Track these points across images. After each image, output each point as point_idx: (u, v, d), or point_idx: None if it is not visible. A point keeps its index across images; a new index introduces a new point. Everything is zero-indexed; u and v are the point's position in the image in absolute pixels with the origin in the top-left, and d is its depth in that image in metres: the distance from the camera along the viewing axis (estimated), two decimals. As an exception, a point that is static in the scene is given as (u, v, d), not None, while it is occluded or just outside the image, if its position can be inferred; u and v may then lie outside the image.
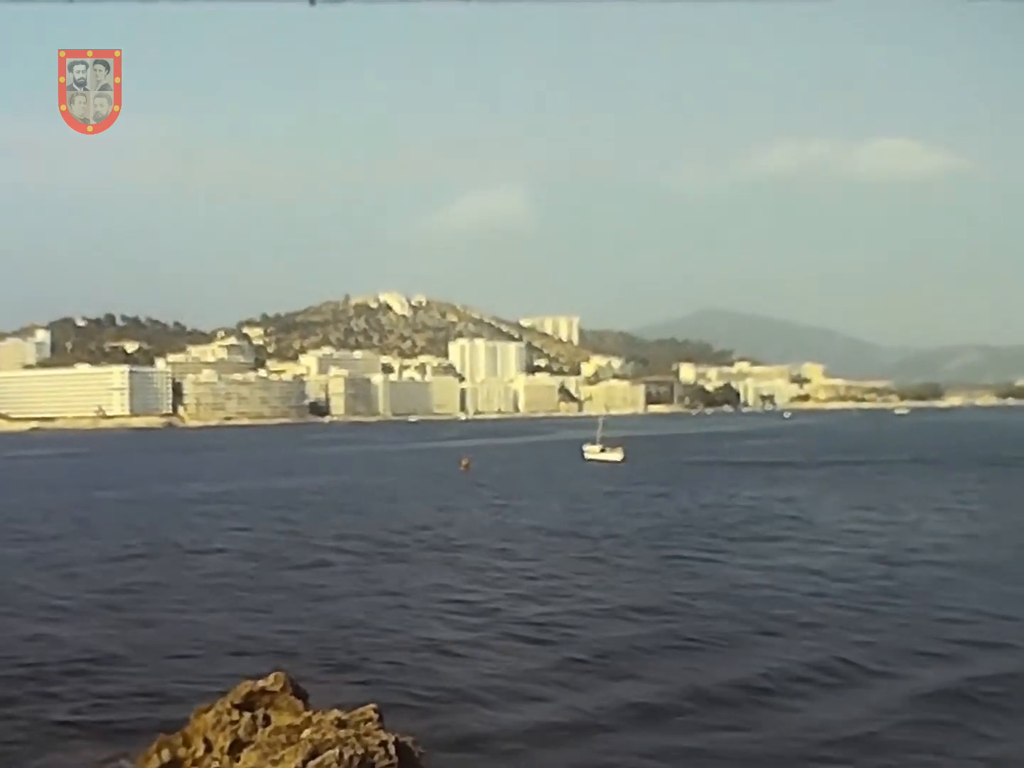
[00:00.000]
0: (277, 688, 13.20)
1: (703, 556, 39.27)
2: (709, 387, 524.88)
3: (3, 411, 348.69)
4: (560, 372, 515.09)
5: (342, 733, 11.65)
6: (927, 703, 20.08)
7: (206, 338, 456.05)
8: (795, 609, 28.91)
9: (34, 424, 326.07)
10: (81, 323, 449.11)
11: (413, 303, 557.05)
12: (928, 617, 27.71)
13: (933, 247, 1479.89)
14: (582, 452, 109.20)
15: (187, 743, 12.63)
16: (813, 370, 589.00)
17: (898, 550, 40.11)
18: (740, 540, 43.70)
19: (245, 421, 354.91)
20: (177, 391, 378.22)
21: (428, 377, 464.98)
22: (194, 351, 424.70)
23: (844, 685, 21.50)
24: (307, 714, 12.48)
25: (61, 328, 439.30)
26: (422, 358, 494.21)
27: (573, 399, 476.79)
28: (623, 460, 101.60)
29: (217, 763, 12.23)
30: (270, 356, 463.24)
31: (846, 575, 34.43)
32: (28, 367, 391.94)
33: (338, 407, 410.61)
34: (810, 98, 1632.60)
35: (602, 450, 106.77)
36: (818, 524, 49.08)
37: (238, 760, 11.98)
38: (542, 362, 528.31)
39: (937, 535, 44.50)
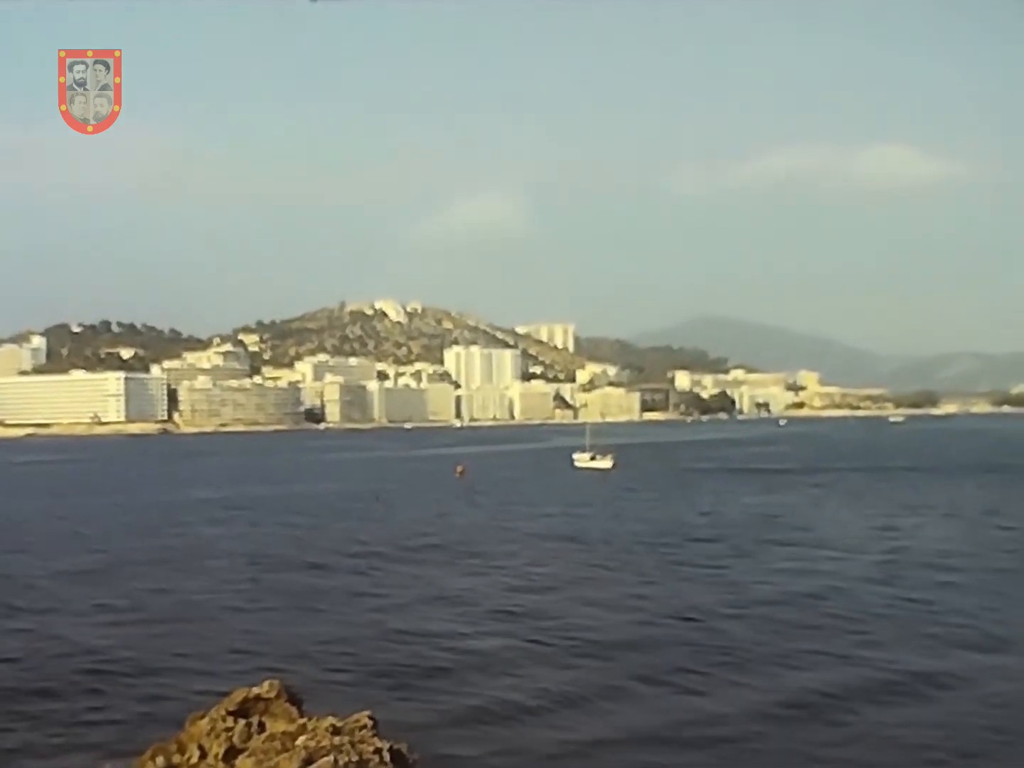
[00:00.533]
0: (272, 695, 13.20)
1: (703, 563, 39.26)
2: (704, 394, 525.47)
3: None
4: (555, 379, 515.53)
5: (336, 740, 11.65)
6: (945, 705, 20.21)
7: (202, 344, 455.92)
8: (802, 614, 29.06)
9: (29, 430, 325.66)
10: (77, 329, 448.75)
11: (408, 310, 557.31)
12: (936, 622, 27.92)
13: (929, 254, 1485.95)
14: (572, 460, 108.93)
15: (182, 749, 12.63)
16: (808, 378, 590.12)
17: (898, 555, 40.32)
18: (736, 546, 43.64)
19: (240, 428, 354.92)
20: (172, 397, 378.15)
21: (423, 384, 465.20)
22: (190, 357, 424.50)
23: (853, 685, 21.52)
24: (302, 721, 12.48)
25: (57, 334, 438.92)
26: (417, 365, 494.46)
27: (568, 406, 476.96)
28: (613, 467, 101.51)
29: (211, 770, 12.23)
30: (265, 363, 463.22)
31: (848, 581, 34.50)
32: (24, 373, 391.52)
33: (333, 414, 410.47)
34: (808, 104, 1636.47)
35: (592, 458, 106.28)
36: (815, 530, 49.02)
37: (233, 767, 11.99)
38: (537, 369, 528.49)
39: (935, 541, 44.65)
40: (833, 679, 22.08)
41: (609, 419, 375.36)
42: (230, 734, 12.56)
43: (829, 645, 25.24)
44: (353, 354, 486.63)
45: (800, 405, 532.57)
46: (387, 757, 11.50)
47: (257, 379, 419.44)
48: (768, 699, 20.76)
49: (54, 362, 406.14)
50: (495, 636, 26.87)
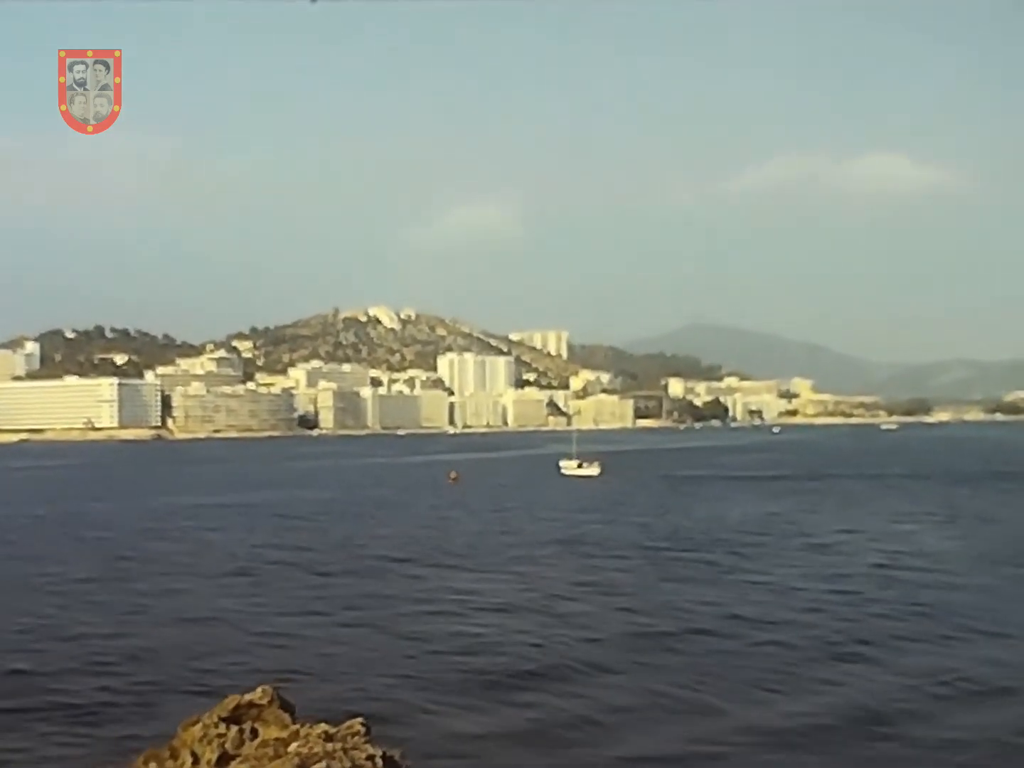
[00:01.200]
0: (264, 701, 13.17)
1: (704, 567, 39.47)
2: (698, 402, 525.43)
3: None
4: (549, 386, 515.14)
5: (329, 747, 11.62)
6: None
7: (195, 351, 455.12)
8: (806, 617, 29.24)
9: (23, 436, 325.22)
10: (70, 335, 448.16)
11: (402, 317, 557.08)
12: (939, 624, 28.15)
13: (922, 261, 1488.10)
14: (559, 467, 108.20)
15: (174, 756, 12.60)
16: (802, 385, 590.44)
17: (898, 560, 40.63)
18: (729, 550, 43.66)
19: (233, 434, 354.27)
20: (166, 404, 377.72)
21: (417, 391, 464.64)
22: (183, 364, 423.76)
23: (859, 688, 21.56)
24: (294, 727, 12.45)
25: (50, 340, 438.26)
26: (411, 372, 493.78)
27: (562, 413, 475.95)
28: (600, 474, 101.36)
29: (204, 776, 12.22)
30: (259, 369, 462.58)
31: (850, 584, 34.76)
32: (17, 379, 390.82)
33: (327, 420, 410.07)
34: (802, 112, 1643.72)
35: (579, 465, 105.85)
36: (814, 536, 49.06)
37: (225, 773, 11.98)
38: (531, 376, 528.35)
39: (933, 546, 45.02)
40: (843, 682, 22.23)
41: (602, 426, 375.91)
42: (223, 740, 12.53)
43: (836, 648, 25.39)
44: (347, 360, 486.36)
45: (793, 412, 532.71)
46: (380, 764, 11.50)
47: (251, 385, 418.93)
48: (793, 706, 20.77)
49: (48, 368, 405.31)
50: (509, 639, 26.89)
